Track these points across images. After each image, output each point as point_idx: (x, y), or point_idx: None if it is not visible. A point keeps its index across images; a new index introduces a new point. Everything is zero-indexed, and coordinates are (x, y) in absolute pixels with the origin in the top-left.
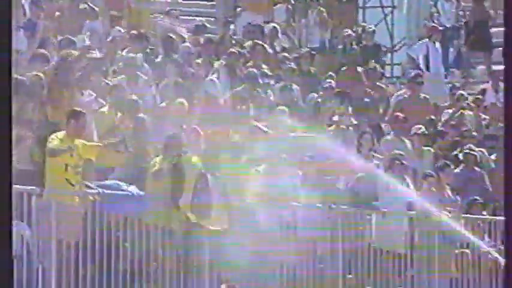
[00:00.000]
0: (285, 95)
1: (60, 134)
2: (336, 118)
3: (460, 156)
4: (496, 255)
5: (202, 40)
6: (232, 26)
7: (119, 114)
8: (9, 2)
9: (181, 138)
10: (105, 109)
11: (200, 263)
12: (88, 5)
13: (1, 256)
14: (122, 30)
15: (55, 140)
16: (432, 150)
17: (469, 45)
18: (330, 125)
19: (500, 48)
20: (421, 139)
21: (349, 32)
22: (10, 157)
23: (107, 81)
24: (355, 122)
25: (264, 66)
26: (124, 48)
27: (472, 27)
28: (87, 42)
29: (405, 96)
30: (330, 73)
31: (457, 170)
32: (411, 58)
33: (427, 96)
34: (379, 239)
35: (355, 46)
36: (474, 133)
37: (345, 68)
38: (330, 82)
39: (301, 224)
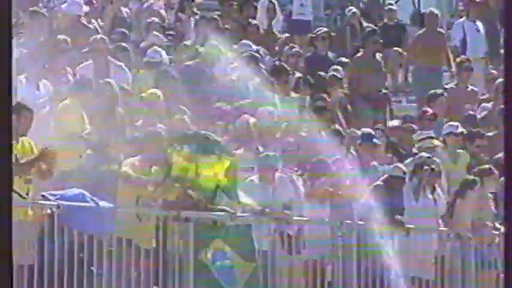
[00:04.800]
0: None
1: None
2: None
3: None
4: None
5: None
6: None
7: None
8: (9, 3)
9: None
10: (67, 103)
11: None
12: None
13: (1, 257)
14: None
15: None
16: (467, 153)
17: None
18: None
19: None
20: (457, 140)
21: (353, 9)
22: (10, 157)
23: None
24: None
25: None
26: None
27: None
28: None
29: (452, 86)
30: (342, 59)
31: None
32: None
33: (475, 89)
34: (403, 262)
35: (370, 26)
36: None
37: (360, 53)
38: (336, 70)
39: (307, 243)
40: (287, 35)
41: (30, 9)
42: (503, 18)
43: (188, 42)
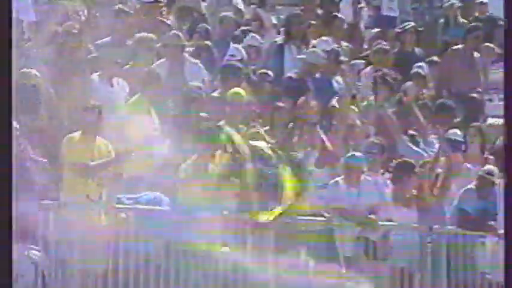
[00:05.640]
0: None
1: (76, 136)
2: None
3: None
4: None
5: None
6: None
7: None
8: (9, 2)
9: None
10: (134, 100)
11: None
12: None
13: (1, 259)
14: None
15: (70, 142)
16: None
17: None
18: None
19: None
20: None
21: (452, 1)
22: (10, 157)
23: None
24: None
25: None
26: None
27: None
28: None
29: None
30: (433, 58)
31: None
32: None
33: None
34: (495, 270)
35: (462, 20)
36: None
37: (453, 48)
38: (420, 66)
39: (393, 249)
40: (376, 29)
41: (117, 7)
42: (504, 18)
43: (279, 40)
